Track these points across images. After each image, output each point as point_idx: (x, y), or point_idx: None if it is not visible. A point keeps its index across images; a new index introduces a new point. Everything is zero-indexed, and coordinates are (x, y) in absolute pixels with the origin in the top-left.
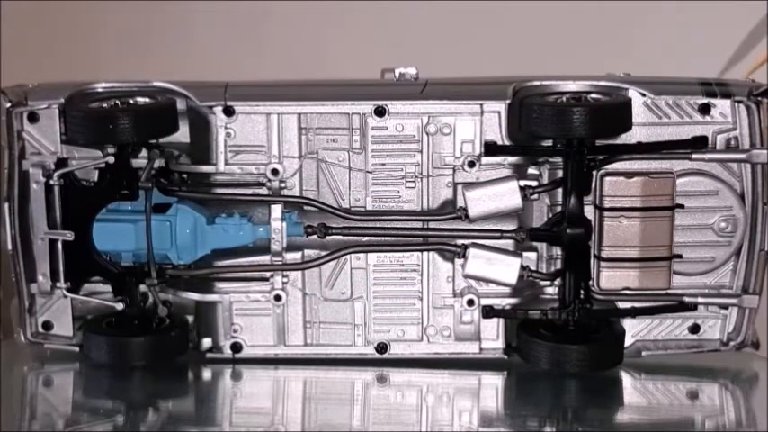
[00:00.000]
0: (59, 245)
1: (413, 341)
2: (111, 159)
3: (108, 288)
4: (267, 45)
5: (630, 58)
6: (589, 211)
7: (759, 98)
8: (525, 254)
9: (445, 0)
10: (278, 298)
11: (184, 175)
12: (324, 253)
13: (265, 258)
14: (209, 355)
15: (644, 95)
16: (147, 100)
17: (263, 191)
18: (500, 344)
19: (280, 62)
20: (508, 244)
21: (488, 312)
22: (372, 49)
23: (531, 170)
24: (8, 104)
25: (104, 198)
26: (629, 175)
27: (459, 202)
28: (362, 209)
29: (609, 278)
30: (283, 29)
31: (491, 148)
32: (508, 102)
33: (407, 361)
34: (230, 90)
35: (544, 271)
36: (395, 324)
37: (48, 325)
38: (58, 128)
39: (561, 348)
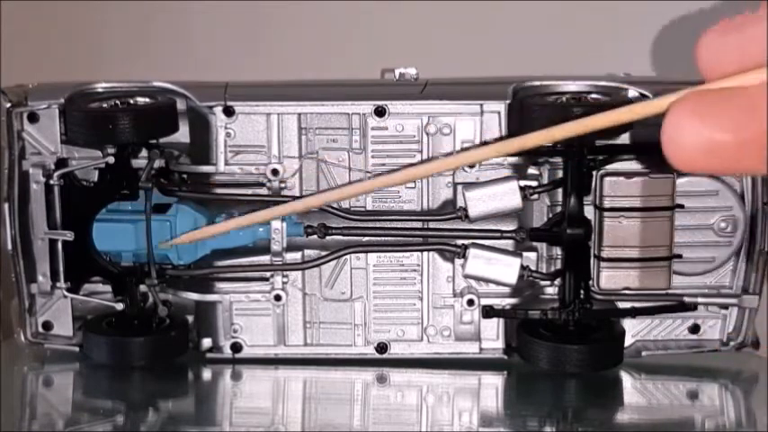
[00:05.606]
0: (59, 245)
1: (413, 341)
2: (111, 159)
3: (108, 288)
4: (267, 45)
5: (630, 58)
6: (589, 211)
7: None
8: (525, 254)
9: (445, 0)
10: (278, 298)
11: (184, 175)
12: (324, 253)
13: (265, 258)
14: (209, 355)
15: (644, 95)
16: (147, 100)
17: (263, 191)
18: (500, 344)
19: (280, 62)
20: (508, 244)
21: (488, 312)
22: (372, 49)
23: (531, 170)
24: (8, 104)
25: (104, 198)
26: (629, 175)
27: (460, 202)
28: (362, 209)
29: (609, 278)
30: (283, 29)
31: None
32: (508, 102)
33: (407, 361)
34: (230, 90)
35: (544, 271)
36: (395, 324)
37: (48, 325)
38: (58, 128)
39: (561, 348)
